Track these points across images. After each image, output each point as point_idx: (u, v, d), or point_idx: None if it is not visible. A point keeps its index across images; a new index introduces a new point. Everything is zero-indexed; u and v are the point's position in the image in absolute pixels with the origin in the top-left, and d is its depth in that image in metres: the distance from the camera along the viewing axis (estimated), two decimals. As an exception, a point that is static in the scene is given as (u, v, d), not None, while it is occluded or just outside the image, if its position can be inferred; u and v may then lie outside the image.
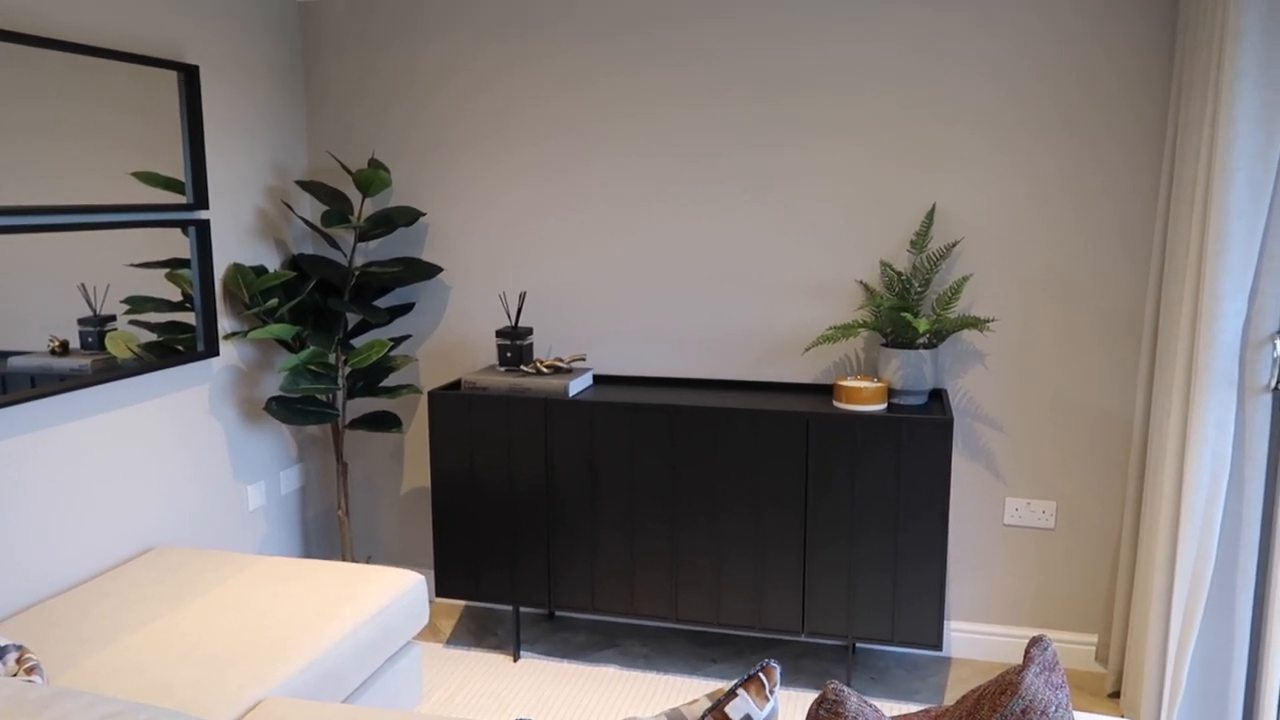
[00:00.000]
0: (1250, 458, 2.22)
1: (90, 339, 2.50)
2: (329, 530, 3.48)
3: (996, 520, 2.95)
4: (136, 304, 2.62)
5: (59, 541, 2.39)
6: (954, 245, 2.81)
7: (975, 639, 3.00)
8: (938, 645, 2.64)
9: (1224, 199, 2.14)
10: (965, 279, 2.81)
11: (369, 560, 3.35)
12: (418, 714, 1.80)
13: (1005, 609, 2.98)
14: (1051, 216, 2.77)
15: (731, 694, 1.17)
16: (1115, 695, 2.76)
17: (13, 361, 2.28)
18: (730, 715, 1.15)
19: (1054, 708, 1.09)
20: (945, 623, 3.02)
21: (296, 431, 3.31)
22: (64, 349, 2.43)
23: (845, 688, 1.04)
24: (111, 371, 2.51)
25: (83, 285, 2.47)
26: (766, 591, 2.73)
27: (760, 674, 1.18)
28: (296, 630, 2.13)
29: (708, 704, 1.19)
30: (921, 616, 2.64)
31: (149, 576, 2.42)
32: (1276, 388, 2.20)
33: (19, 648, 1.51)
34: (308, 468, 3.37)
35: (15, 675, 1.45)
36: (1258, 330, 2.18)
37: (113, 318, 2.55)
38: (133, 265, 2.60)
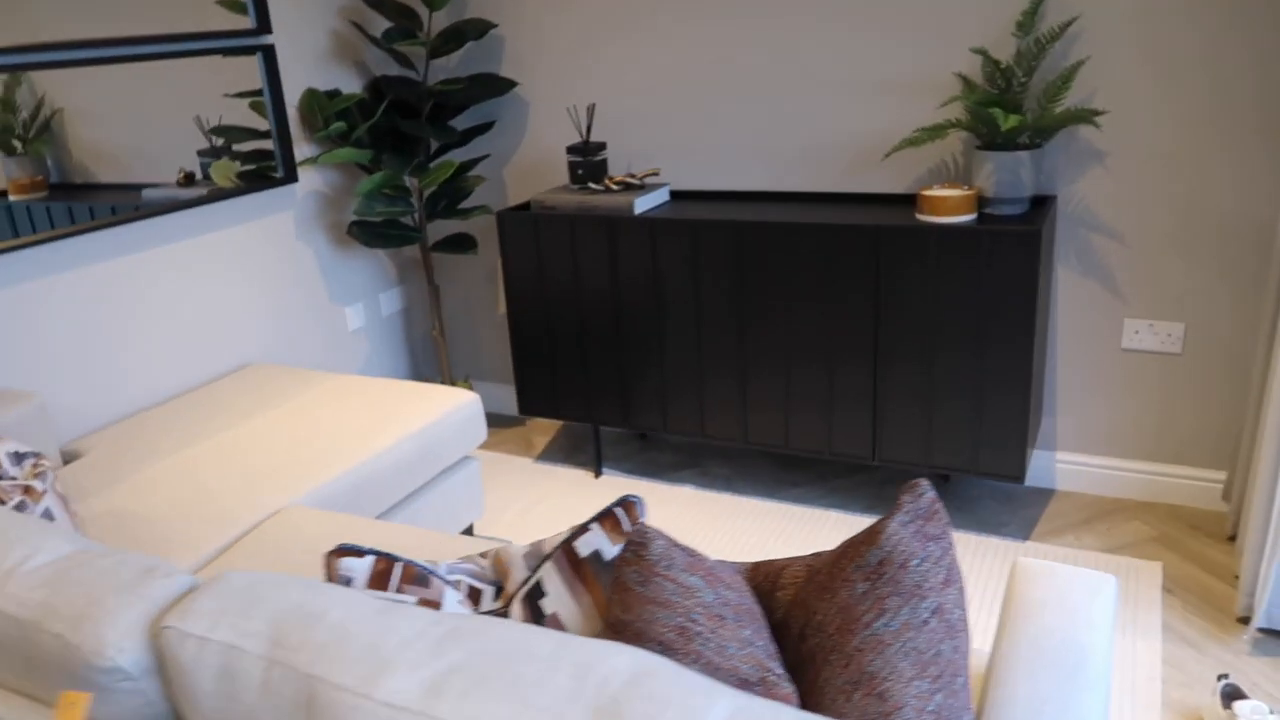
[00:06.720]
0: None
1: (208, 169, 2.68)
2: (432, 351, 3.60)
3: (1114, 344, 2.62)
4: (225, 133, 2.71)
5: (165, 354, 2.62)
6: (1069, 24, 2.39)
7: (1084, 471, 2.75)
8: (1020, 477, 2.43)
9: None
10: (1079, 64, 2.39)
11: (466, 379, 3.45)
12: (415, 529, 1.85)
13: (1121, 441, 2.69)
14: (1194, -20, 2.28)
15: (583, 528, 1.10)
16: (1233, 539, 2.47)
17: (145, 194, 2.53)
18: (578, 549, 1.08)
19: (917, 560, 0.95)
20: (1049, 453, 2.77)
21: (395, 255, 3.39)
22: (189, 180, 2.63)
23: (651, 528, 0.94)
24: (212, 197, 2.67)
25: (198, 117, 2.61)
26: (836, 416, 2.59)
27: (618, 509, 1.10)
28: (340, 444, 2.23)
29: (567, 535, 1.13)
30: (1003, 446, 2.43)
31: (233, 391, 2.60)
32: None
33: (36, 455, 1.66)
34: (408, 290, 3.47)
35: (27, 478, 1.60)
36: None
37: (229, 148, 2.70)
38: (227, 96, 2.69)
